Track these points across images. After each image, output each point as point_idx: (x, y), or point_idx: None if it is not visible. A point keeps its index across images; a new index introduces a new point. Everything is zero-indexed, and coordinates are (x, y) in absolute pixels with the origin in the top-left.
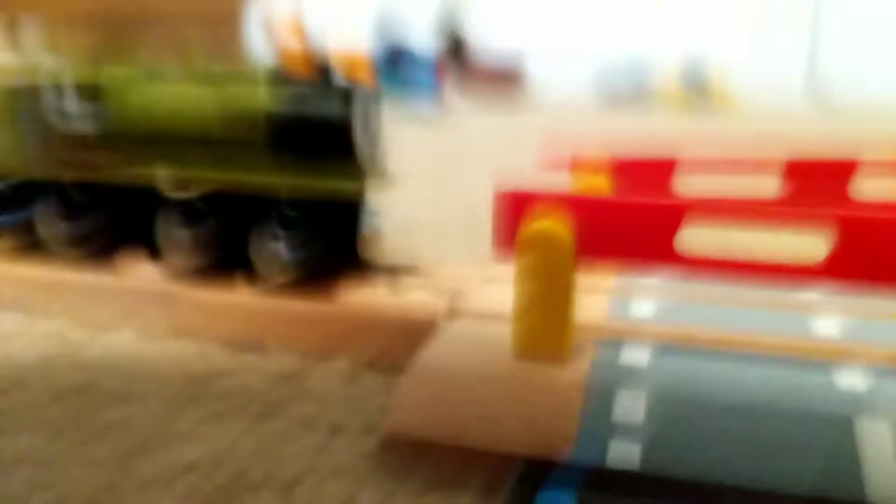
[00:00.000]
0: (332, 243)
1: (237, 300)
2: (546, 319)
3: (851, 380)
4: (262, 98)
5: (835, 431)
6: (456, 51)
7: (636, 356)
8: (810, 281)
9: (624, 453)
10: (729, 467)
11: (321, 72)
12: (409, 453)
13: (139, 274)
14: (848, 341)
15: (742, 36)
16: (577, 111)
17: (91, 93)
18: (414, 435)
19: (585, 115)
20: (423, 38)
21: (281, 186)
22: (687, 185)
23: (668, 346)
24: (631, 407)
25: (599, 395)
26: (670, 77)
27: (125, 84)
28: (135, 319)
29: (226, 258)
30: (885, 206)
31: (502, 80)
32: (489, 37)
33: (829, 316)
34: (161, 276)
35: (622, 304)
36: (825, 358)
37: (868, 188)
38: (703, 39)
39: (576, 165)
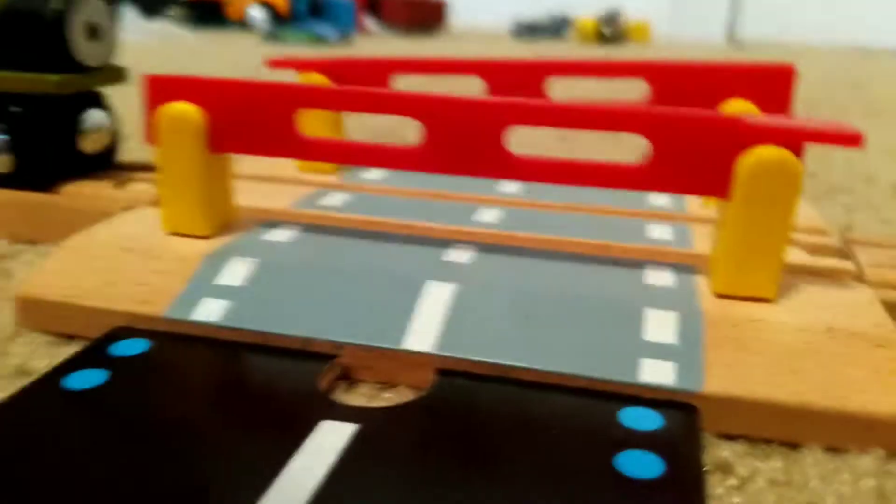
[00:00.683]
0: (55, 138)
1: None
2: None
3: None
4: None
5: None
6: None
7: (281, 234)
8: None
9: (211, 309)
10: (307, 323)
11: None
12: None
13: None
14: None
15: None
16: (489, 40)
17: None
18: (50, 297)
19: (498, 43)
20: None
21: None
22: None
23: (318, 227)
24: (238, 272)
25: (215, 262)
26: (587, 19)
27: None
28: None
29: None
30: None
31: (421, 11)
32: None
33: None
34: None
35: (318, 195)
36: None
37: None
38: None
39: (297, 66)
